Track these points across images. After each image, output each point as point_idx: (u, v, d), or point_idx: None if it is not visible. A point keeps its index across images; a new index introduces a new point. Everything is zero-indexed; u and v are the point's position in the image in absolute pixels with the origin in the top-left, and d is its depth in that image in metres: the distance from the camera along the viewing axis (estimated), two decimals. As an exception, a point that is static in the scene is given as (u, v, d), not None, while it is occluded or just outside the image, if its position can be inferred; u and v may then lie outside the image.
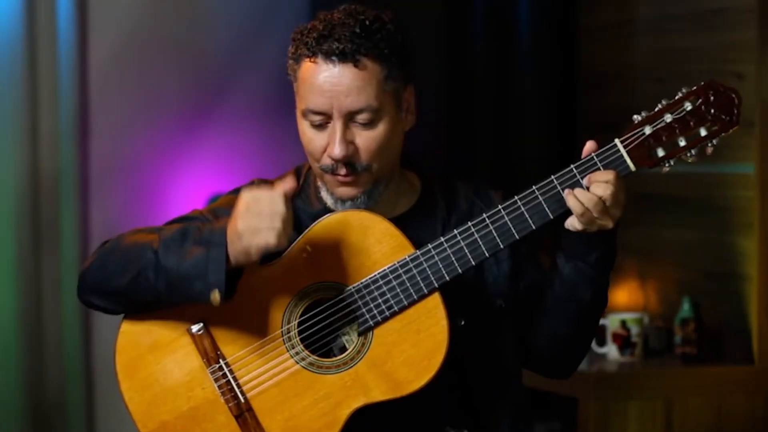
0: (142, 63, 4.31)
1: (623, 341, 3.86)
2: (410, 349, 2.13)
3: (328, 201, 2.23)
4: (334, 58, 2.14)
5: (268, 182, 2.29)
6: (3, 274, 4.08)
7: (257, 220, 2.07)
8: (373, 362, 2.14)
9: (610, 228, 2.14)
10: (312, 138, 2.19)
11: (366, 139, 2.17)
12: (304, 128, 2.20)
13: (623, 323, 3.87)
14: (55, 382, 4.16)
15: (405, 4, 3.85)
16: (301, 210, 2.25)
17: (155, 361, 2.20)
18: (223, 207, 2.26)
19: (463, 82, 4.24)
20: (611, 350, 3.90)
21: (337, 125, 2.16)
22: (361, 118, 2.16)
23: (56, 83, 4.13)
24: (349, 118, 2.16)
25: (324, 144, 2.18)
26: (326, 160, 2.18)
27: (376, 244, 2.16)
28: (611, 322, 3.90)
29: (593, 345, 3.96)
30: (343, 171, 2.17)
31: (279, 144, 4.36)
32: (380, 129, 2.17)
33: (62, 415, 4.18)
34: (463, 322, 2.17)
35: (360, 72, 2.14)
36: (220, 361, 2.18)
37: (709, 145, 2.11)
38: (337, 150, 2.15)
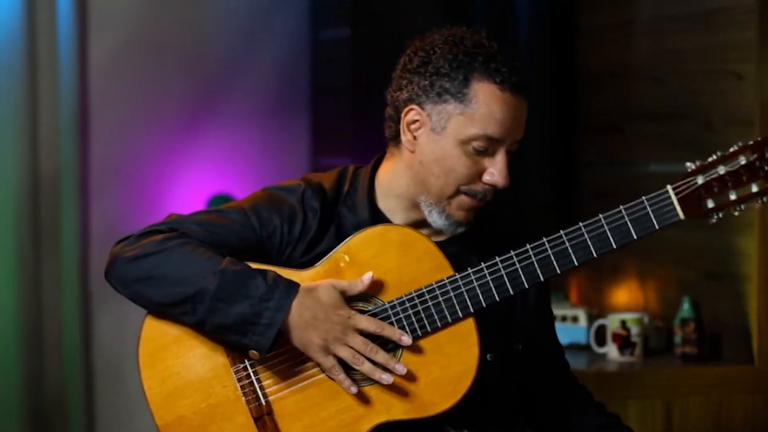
0: (142, 63, 4.31)
1: (623, 341, 3.85)
2: (438, 371, 2.11)
3: (438, 222, 2.21)
4: (519, 92, 2.18)
5: (313, 184, 2.26)
6: (3, 274, 4.08)
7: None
8: (399, 380, 2.11)
9: None
10: (471, 163, 2.18)
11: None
12: (461, 152, 2.18)
13: (623, 323, 3.86)
14: (55, 382, 4.16)
15: (405, 3, 3.86)
16: (346, 217, 2.24)
17: (179, 353, 2.17)
18: (263, 205, 2.23)
19: (463, 82, 4.22)
20: (611, 350, 3.89)
21: (504, 155, 2.19)
22: (513, 148, 2.20)
23: (56, 83, 4.13)
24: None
25: (482, 169, 2.18)
26: (479, 186, 2.19)
27: (416, 261, 2.14)
28: (611, 322, 3.90)
29: (593, 345, 3.96)
30: (491, 197, 2.20)
31: (279, 144, 4.36)
32: None
33: (62, 415, 4.18)
34: (489, 357, 2.17)
35: (526, 106, 2.21)
36: (246, 361, 2.16)
37: (759, 201, 2.07)
38: (505, 180, 2.18)
